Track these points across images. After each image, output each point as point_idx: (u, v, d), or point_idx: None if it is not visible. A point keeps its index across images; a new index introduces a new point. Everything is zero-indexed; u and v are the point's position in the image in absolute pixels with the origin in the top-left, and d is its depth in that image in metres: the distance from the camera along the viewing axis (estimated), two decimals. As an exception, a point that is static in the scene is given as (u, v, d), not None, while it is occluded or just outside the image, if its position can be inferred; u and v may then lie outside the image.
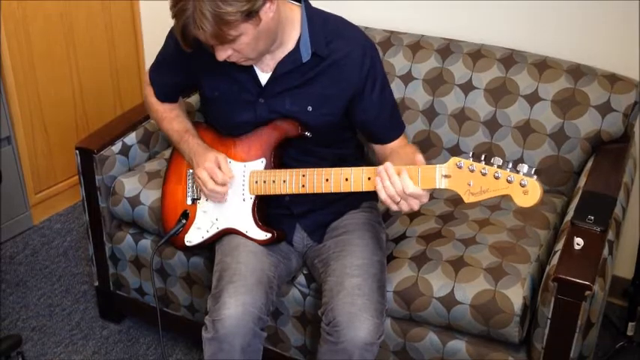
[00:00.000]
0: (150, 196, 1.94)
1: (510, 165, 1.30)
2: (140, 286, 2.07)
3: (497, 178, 1.29)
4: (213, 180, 1.59)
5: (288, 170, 1.54)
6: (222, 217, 1.65)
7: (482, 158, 1.32)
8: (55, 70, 2.59)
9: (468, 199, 1.33)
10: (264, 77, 1.57)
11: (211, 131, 1.70)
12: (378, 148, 1.67)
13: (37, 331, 2.17)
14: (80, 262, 2.48)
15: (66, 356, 2.08)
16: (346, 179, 1.46)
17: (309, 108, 1.56)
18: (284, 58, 1.53)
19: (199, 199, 1.69)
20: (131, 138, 2.06)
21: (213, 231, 1.66)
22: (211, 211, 1.67)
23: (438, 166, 1.36)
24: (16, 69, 2.43)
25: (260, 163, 1.59)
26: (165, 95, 1.77)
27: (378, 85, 1.58)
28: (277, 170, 1.57)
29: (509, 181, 1.28)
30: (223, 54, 1.43)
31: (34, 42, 2.48)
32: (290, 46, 1.53)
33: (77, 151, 1.98)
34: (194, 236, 1.70)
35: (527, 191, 1.27)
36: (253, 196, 1.60)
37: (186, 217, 1.70)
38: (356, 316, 1.47)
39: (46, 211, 2.70)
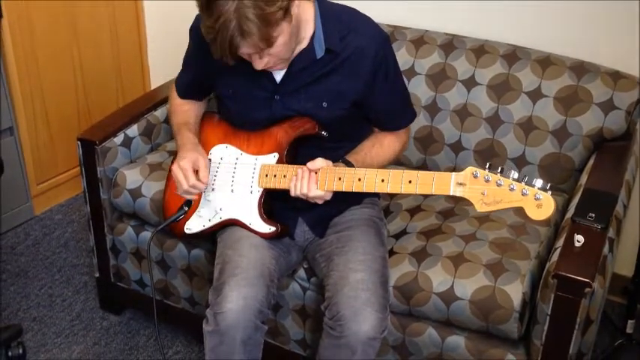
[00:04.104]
0: (151, 188, 1.94)
1: (526, 178, 1.33)
2: (140, 278, 2.07)
3: (512, 190, 1.33)
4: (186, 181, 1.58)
5: (301, 166, 1.53)
6: (227, 208, 1.65)
7: (499, 170, 1.35)
8: (58, 62, 2.59)
9: (480, 208, 1.36)
10: (279, 74, 1.58)
11: (225, 123, 1.71)
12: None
13: (38, 322, 2.18)
14: (81, 253, 2.48)
15: (66, 347, 2.09)
16: (359, 179, 1.47)
17: (324, 104, 1.57)
18: (298, 55, 1.54)
19: (205, 189, 1.69)
20: (133, 130, 2.06)
21: (215, 220, 1.67)
22: (216, 201, 1.66)
23: (453, 174, 1.39)
24: (18, 60, 2.43)
25: (272, 158, 1.60)
26: (185, 93, 1.80)
27: (391, 77, 1.59)
28: (289, 165, 1.57)
29: (523, 194, 1.32)
30: (261, 63, 1.44)
31: (37, 33, 2.48)
32: (305, 43, 1.53)
33: (79, 143, 1.98)
34: (195, 224, 1.69)
35: (541, 205, 1.31)
36: (261, 189, 1.60)
37: (189, 204, 1.69)
38: (360, 310, 1.47)
39: (47, 201, 2.71)
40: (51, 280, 2.35)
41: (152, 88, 2.93)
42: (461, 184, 1.37)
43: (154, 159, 2.05)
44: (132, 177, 1.97)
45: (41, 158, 2.63)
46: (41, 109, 2.58)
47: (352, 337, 1.47)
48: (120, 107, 2.25)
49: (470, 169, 1.37)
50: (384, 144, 1.66)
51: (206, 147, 1.69)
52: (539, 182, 1.32)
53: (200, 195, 1.69)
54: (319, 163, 1.50)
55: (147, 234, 2.00)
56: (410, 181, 1.43)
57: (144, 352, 2.08)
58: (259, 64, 1.45)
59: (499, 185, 1.34)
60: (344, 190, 1.49)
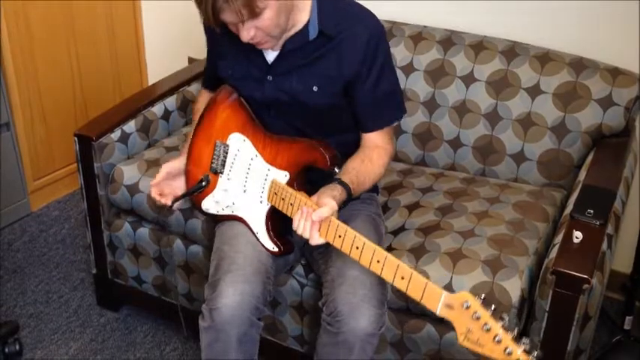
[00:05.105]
0: (149, 184, 1.93)
1: (515, 331, 1.22)
2: (138, 275, 2.06)
3: (497, 341, 1.21)
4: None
5: (306, 201, 1.47)
6: (239, 206, 1.63)
7: (492, 308, 1.24)
8: (55, 57, 2.58)
9: (462, 341, 1.26)
10: (271, 55, 1.58)
11: (244, 109, 1.65)
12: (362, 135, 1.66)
13: (35, 318, 2.17)
14: (78, 249, 2.48)
15: (63, 343, 2.08)
16: (357, 247, 1.40)
17: (315, 88, 1.56)
18: (292, 36, 1.55)
19: (221, 174, 1.66)
20: (130, 126, 2.05)
21: (227, 212, 1.66)
22: (231, 194, 1.65)
23: (444, 293, 1.28)
24: (15, 55, 2.42)
25: (283, 177, 1.55)
26: (206, 81, 1.85)
27: (375, 71, 1.56)
28: (297, 193, 1.50)
29: (506, 353, 1.21)
30: (247, 34, 1.45)
31: (34, 28, 2.47)
32: (299, 26, 1.54)
33: (76, 138, 1.97)
34: (211, 207, 1.69)
35: None
36: (270, 204, 1.58)
37: (208, 181, 1.67)
38: (357, 306, 1.47)
39: (44, 198, 2.70)
40: (48, 277, 2.35)
41: (149, 84, 2.93)
42: (450, 306, 1.27)
43: (152, 155, 2.04)
44: (129, 173, 1.97)
45: (38, 154, 2.62)
46: (38, 105, 2.57)
47: (350, 334, 1.47)
48: (117, 103, 2.24)
49: (463, 296, 1.25)
50: (373, 158, 1.61)
51: (224, 130, 1.66)
52: (527, 342, 1.20)
53: (217, 179, 1.67)
54: (325, 212, 1.42)
55: (144, 230, 1.99)
56: (402, 278, 1.34)
57: (141, 349, 2.07)
58: (245, 35, 1.45)
59: (486, 330, 1.22)
60: (341, 249, 1.43)
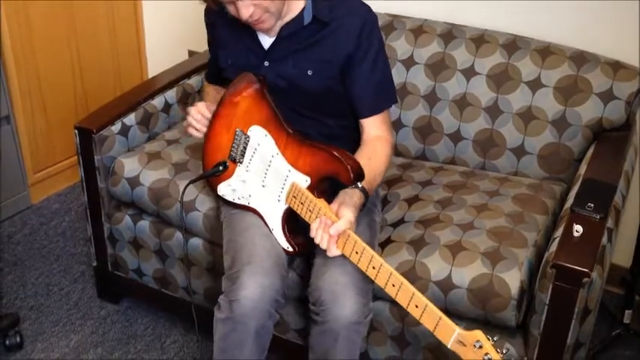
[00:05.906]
0: (149, 177, 1.93)
1: None
2: (138, 267, 2.07)
3: None
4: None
5: (325, 211, 1.46)
6: (256, 199, 1.63)
7: (504, 351, 1.25)
8: (55, 50, 2.58)
9: None
10: (268, 42, 1.62)
11: (267, 103, 1.62)
12: (360, 123, 1.66)
13: (35, 311, 2.18)
14: (78, 242, 2.48)
15: (63, 335, 2.09)
16: (373, 267, 1.40)
17: (310, 72, 1.59)
18: (287, 22, 1.59)
19: (240, 164, 1.65)
20: (130, 119, 2.05)
21: (243, 202, 1.66)
22: (249, 185, 1.64)
23: (458, 330, 1.29)
24: (15, 48, 2.42)
25: (304, 182, 1.53)
26: (210, 76, 1.89)
27: (370, 56, 1.59)
28: (317, 200, 1.48)
29: None
30: (246, 12, 1.48)
31: (34, 21, 2.46)
32: (295, 13, 1.59)
33: (76, 131, 1.97)
34: (227, 193, 1.69)
35: None
36: (287, 205, 1.57)
37: (225, 166, 1.66)
38: (340, 294, 1.47)
39: (44, 190, 2.70)
40: (48, 269, 2.35)
41: (149, 77, 2.93)
42: (462, 343, 1.28)
43: (152, 148, 2.04)
44: (130, 165, 1.97)
45: (38, 147, 2.62)
46: (38, 97, 2.57)
47: (334, 322, 1.47)
48: (117, 96, 2.24)
49: (475, 335, 1.26)
50: (378, 152, 1.62)
51: (245, 120, 1.63)
52: None
53: (235, 167, 1.66)
54: (342, 226, 1.42)
55: (144, 223, 2.00)
56: (416, 306, 1.35)
57: (141, 341, 2.08)
58: (244, 13, 1.48)
59: None
60: (358, 265, 1.44)
